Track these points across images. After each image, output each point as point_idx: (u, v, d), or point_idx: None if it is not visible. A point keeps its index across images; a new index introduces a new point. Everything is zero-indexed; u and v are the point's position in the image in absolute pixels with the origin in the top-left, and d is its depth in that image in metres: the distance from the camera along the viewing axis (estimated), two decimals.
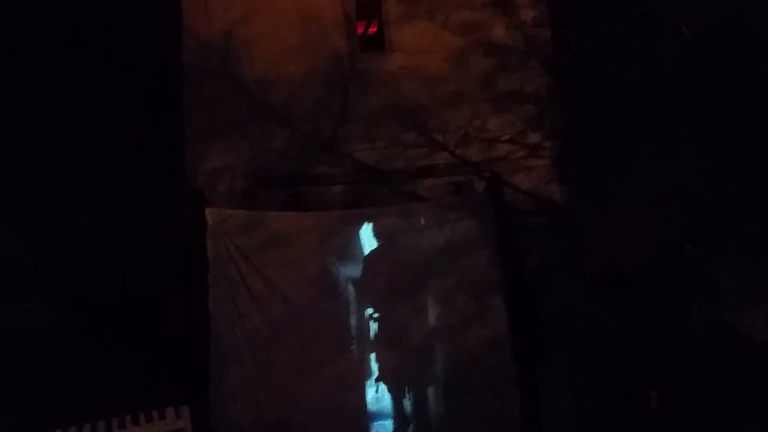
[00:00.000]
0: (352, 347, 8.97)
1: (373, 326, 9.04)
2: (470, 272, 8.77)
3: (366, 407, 8.84)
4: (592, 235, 9.19)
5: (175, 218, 9.03)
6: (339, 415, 8.46)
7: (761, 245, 8.48)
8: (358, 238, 9.31)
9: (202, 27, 9.60)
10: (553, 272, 8.81)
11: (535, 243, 8.82)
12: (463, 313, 8.73)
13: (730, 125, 8.68)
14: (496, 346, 8.51)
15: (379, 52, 9.73)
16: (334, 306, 8.92)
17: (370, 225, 9.18)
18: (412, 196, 9.34)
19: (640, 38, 9.10)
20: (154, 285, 9.02)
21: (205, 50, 9.52)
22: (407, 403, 8.95)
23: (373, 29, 9.87)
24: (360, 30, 9.82)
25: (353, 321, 9.29)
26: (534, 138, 9.44)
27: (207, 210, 8.61)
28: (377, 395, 9.00)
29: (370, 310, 9.39)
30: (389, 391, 8.94)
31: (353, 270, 9.20)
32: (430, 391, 8.89)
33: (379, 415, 9.18)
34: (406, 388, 8.95)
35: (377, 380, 8.93)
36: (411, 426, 8.89)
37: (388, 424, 9.05)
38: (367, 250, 9.25)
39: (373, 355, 9.04)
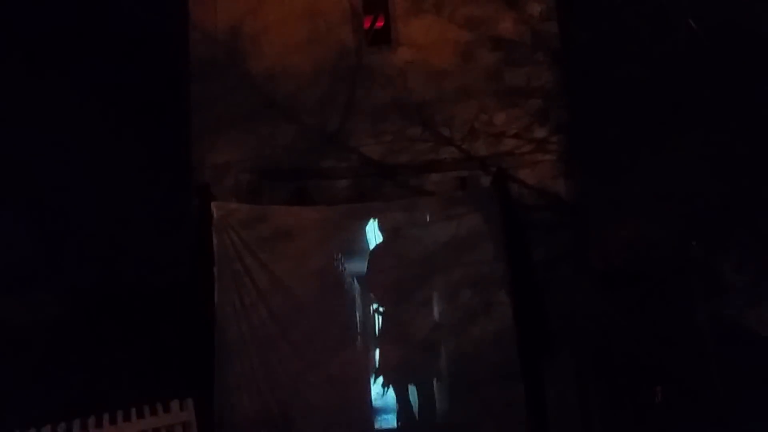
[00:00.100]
0: (356, 341, 8.97)
1: (378, 321, 9.04)
2: (475, 267, 8.72)
3: (370, 401, 8.85)
4: (598, 230, 9.16)
5: (181, 212, 9.05)
6: (343, 409, 8.43)
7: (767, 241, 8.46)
8: (364, 232, 9.33)
9: (209, 21, 9.64)
10: (559, 267, 8.77)
11: (540, 238, 8.78)
12: (468, 308, 8.68)
13: (738, 120, 8.66)
14: (501, 341, 8.46)
15: (385, 46, 9.73)
16: (339, 300, 8.90)
17: (376, 219, 9.18)
18: (417, 191, 9.33)
19: (646, 33, 9.08)
20: (159, 278, 9.06)
21: (212, 44, 9.56)
22: (411, 398, 8.96)
23: (379, 23, 9.85)
24: (366, 24, 9.81)
25: (358, 315, 9.30)
26: (540, 133, 9.42)
27: (213, 204, 8.59)
28: (381, 389, 9.03)
29: (375, 305, 9.43)
30: (393, 385, 8.95)
31: (359, 264, 9.22)
32: (435, 386, 8.87)
33: (383, 409, 9.22)
34: (411, 383, 8.95)
35: (377, 374, 8.94)
36: (415, 420, 8.89)
37: (392, 418, 9.08)
38: (372, 245, 9.27)
39: (377, 350, 9.06)
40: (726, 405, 8.34)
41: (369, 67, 9.59)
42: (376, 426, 8.97)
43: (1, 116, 9.56)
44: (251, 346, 8.34)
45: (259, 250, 8.60)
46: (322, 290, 8.68)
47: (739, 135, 8.67)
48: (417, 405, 8.92)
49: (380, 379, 8.89)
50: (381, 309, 9.16)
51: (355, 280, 9.72)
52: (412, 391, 8.95)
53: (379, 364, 9.05)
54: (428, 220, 9.03)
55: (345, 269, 9.15)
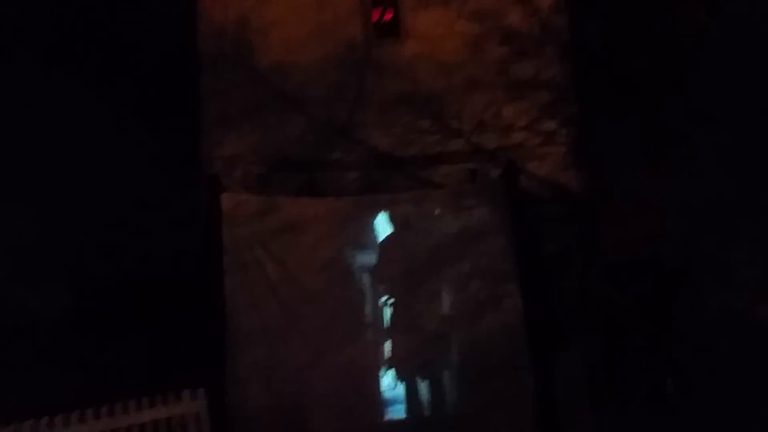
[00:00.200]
0: (366, 333, 8.96)
1: (388, 312, 9.04)
2: (485, 259, 8.71)
3: (380, 393, 8.85)
4: (607, 222, 9.16)
5: (191, 203, 9.07)
6: (353, 401, 8.44)
7: None
8: (373, 224, 9.31)
9: (218, 13, 9.64)
10: (569, 259, 8.78)
11: (550, 230, 8.79)
12: (478, 300, 8.67)
13: (749, 112, 8.65)
14: (510, 333, 8.45)
15: (394, 38, 9.70)
16: (349, 292, 8.88)
17: (385, 211, 9.17)
18: (427, 183, 9.32)
19: (656, 25, 9.08)
20: (170, 269, 9.08)
21: (221, 36, 9.56)
22: (421, 389, 8.95)
23: (388, 16, 9.83)
24: (375, 16, 9.78)
25: (367, 307, 9.30)
26: (549, 125, 9.40)
27: (223, 195, 8.60)
28: (391, 381, 9.02)
29: (384, 297, 9.41)
30: (403, 377, 8.94)
31: (368, 256, 9.20)
32: (444, 377, 8.86)
33: (393, 401, 9.20)
34: (420, 374, 8.95)
35: (386, 366, 8.93)
36: (424, 412, 8.88)
37: (402, 409, 9.07)
38: (381, 237, 9.25)
39: (387, 342, 9.05)
40: (736, 397, 8.32)
41: (377, 59, 9.56)
42: (387, 417, 8.95)
43: (11, 109, 9.59)
44: (261, 337, 8.33)
45: (269, 241, 8.59)
46: (331, 281, 8.68)
47: (750, 128, 8.66)
48: (426, 396, 8.91)
49: (392, 372, 8.87)
50: (390, 301, 9.15)
51: (365, 272, 9.69)
52: (422, 382, 8.94)
53: (390, 356, 9.04)
54: (437, 212, 9.00)
55: (354, 261, 9.12)
